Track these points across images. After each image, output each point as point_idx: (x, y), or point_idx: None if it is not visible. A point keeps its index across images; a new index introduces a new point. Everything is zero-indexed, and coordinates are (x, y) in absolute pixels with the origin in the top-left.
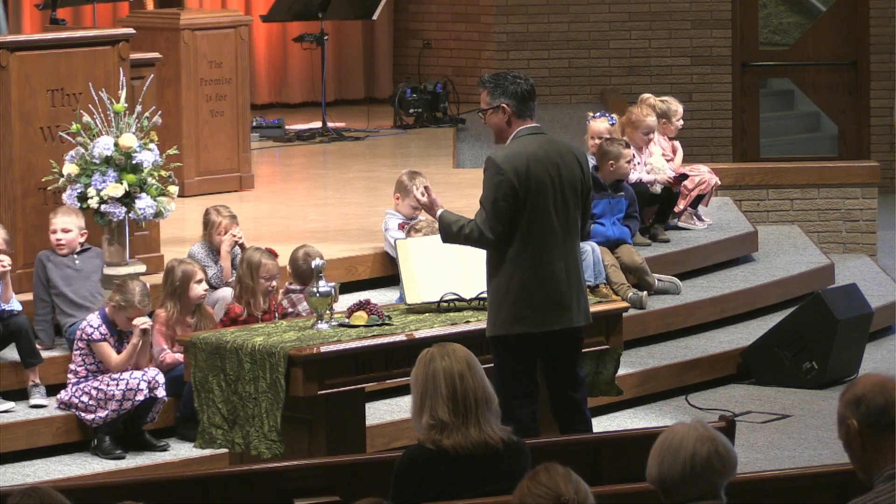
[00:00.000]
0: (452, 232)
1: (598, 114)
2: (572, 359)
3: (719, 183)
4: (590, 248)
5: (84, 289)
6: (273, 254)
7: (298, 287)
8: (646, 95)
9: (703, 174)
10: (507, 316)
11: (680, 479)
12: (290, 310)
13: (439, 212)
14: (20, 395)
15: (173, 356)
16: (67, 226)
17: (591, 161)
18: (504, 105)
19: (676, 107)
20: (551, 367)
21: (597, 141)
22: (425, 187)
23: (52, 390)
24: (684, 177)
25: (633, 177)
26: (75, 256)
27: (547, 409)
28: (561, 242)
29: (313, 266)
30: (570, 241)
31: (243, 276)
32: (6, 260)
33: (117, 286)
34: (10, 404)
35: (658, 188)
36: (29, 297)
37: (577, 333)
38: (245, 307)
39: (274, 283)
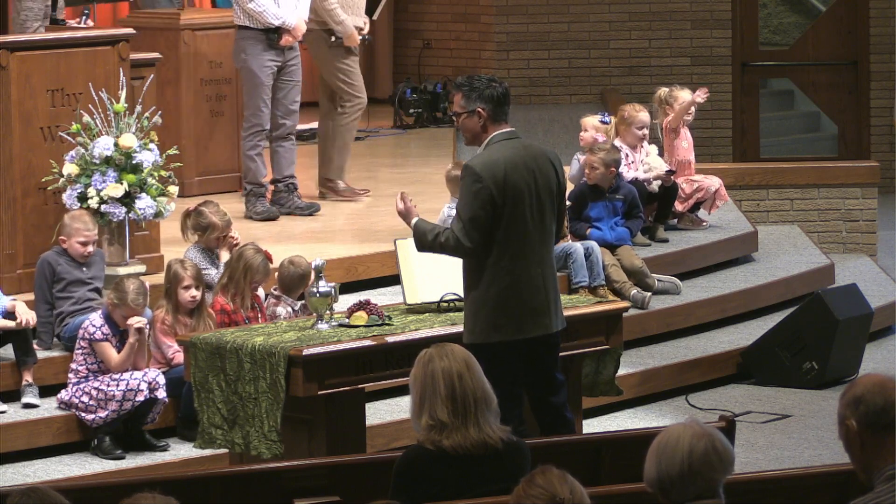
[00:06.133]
0: (428, 241)
1: (596, 113)
2: (550, 364)
3: (723, 196)
4: (579, 249)
5: (84, 291)
6: (268, 258)
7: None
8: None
9: (700, 181)
10: (485, 324)
11: (678, 478)
12: (281, 310)
13: (414, 220)
14: (13, 396)
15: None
16: (96, 235)
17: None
18: (480, 109)
19: (678, 93)
20: (529, 373)
21: (584, 133)
22: (401, 194)
23: (52, 390)
24: (672, 172)
25: (630, 175)
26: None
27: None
28: (537, 249)
29: (313, 266)
30: (545, 248)
31: (236, 274)
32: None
33: (115, 284)
34: (3, 406)
35: (656, 187)
36: (28, 297)
37: (554, 339)
38: (231, 301)
39: (260, 289)
